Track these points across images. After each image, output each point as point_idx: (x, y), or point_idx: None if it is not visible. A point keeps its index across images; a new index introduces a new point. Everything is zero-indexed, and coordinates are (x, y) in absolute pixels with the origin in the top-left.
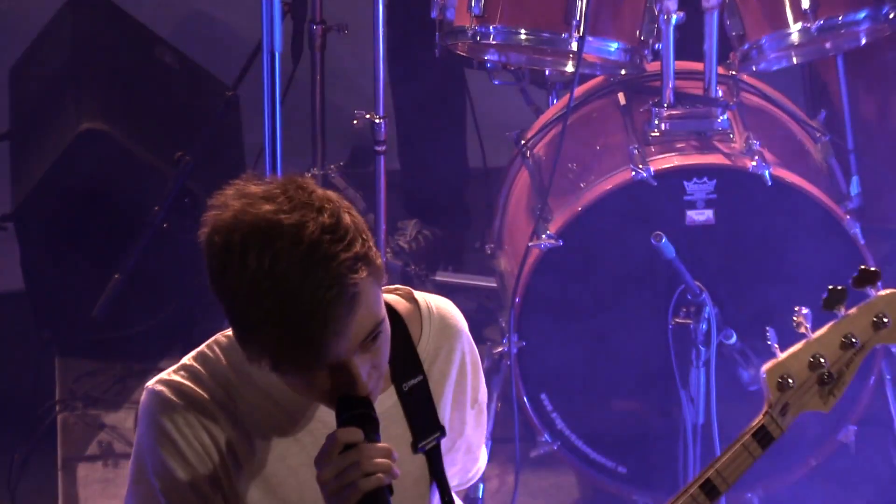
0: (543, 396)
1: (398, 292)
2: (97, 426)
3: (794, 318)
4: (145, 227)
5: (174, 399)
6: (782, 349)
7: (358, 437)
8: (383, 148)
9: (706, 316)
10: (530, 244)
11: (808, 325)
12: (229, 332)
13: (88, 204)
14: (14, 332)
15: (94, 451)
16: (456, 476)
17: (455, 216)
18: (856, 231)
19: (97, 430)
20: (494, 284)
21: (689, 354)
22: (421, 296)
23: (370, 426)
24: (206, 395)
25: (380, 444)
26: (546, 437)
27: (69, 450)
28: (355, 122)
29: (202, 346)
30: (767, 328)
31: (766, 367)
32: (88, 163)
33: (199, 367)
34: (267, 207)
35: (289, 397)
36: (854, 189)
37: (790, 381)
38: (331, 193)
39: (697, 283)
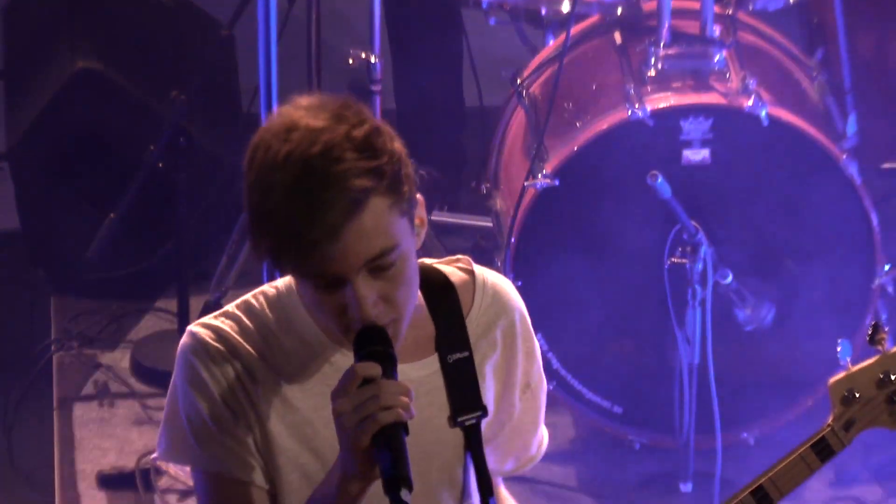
0: (539, 336)
1: (458, 263)
2: (93, 366)
3: (873, 333)
4: (140, 167)
5: (211, 342)
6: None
7: (376, 371)
8: (379, 87)
9: (702, 255)
10: (526, 184)
11: (885, 340)
12: (277, 283)
13: (83, 143)
14: (9, 271)
15: (90, 391)
16: (507, 460)
17: (451, 156)
18: (852, 170)
19: (93, 370)
20: (490, 224)
21: (684, 294)
22: (479, 269)
23: (388, 364)
24: (245, 343)
25: (398, 382)
26: None
27: (65, 390)
28: (351, 61)
29: (248, 295)
30: (841, 340)
31: (832, 380)
32: (83, 102)
33: (241, 314)
34: (303, 113)
35: (326, 348)
36: (851, 128)
37: (857, 395)
38: (381, 121)
39: (693, 223)
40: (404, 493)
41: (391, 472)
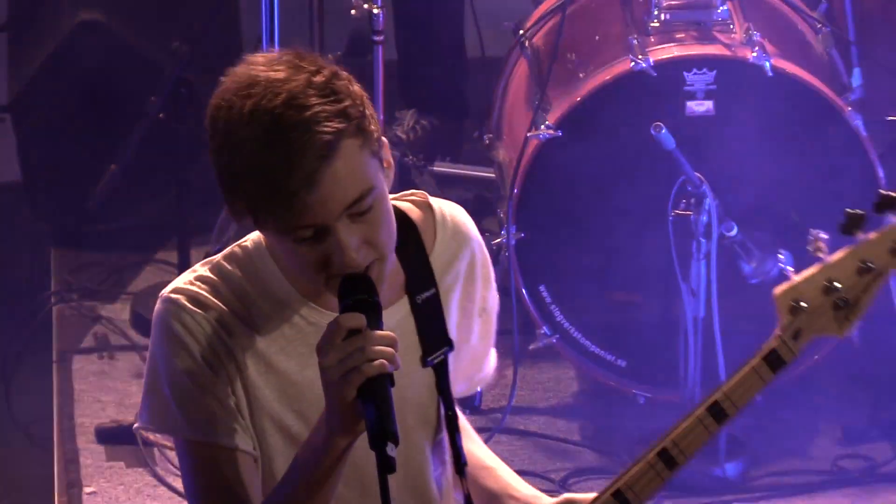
0: (542, 288)
1: (412, 197)
2: (93, 318)
3: (811, 241)
4: (142, 118)
5: (189, 305)
6: (780, 248)
7: (361, 322)
8: (381, 38)
9: (706, 208)
10: (529, 134)
11: (825, 249)
12: (245, 241)
13: (85, 95)
14: (10, 223)
15: (90, 344)
16: (459, 382)
17: (453, 106)
18: (857, 123)
19: (93, 323)
20: (493, 175)
21: (689, 247)
22: (436, 202)
23: (373, 313)
24: (221, 304)
25: (383, 332)
26: (545, 329)
27: (64, 342)
28: (353, 11)
29: (217, 257)
30: (781, 251)
31: (777, 290)
32: (85, 54)
33: (214, 276)
34: (260, 67)
35: (302, 306)
36: (856, 80)
37: (803, 304)
38: (336, 65)
39: (698, 175)
40: (390, 448)
41: (376, 425)
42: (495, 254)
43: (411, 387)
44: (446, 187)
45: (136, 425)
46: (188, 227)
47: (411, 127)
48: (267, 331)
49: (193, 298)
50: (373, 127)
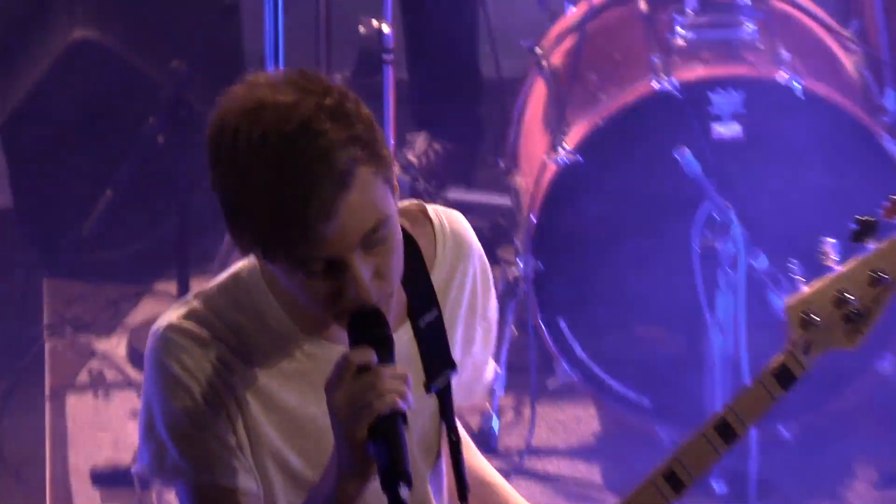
0: (562, 322)
1: (409, 207)
2: (88, 353)
3: (820, 250)
4: (139, 141)
5: (184, 343)
6: (811, 279)
7: (371, 357)
8: (391, 57)
9: (733, 237)
10: (547, 159)
11: (834, 257)
12: (239, 270)
13: (79, 116)
14: (0, 252)
15: (84, 381)
16: (458, 392)
17: (467, 129)
18: (891, 146)
19: (87, 358)
20: (509, 202)
21: (715, 278)
22: (433, 211)
23: (384, 347)
24: (217, 340)
25: (395, 369)
26: (564, 366)
27: (57, 379)
28: (361, 28)
29: (209, 288)
30: (792, 260)
31: (787, 302)
32: (80, 73)
33: (207, 310)
34: (265, 91)
35: (301, 340)
36: (889, 102)
37: (814, 317)
38: (342, 86)
39: (724, 202)
40: (402, 490)
41: (388, 466)
42: (512, 286)
43: (416, 414)
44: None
45: (134, 468)
46: (188, 256)
47: (423, 151)
48: (265, 366)
49: (188, 335)
50: (384, 151)
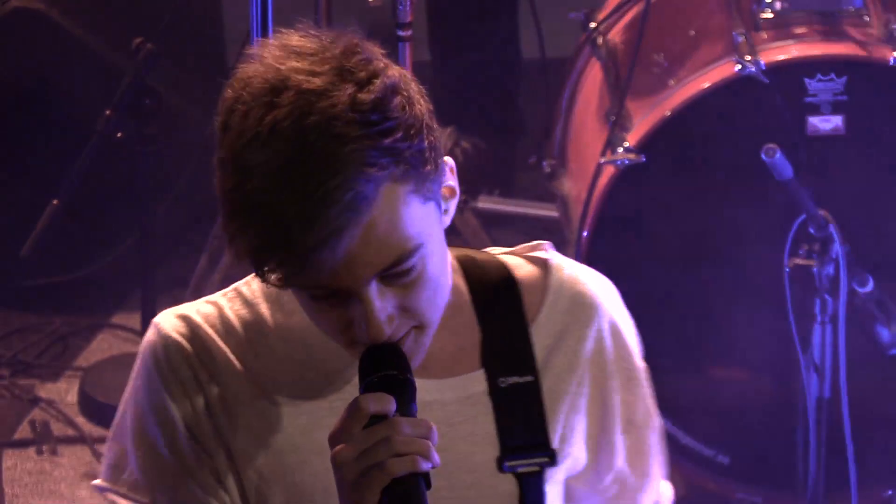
0: None
1: (532, 252)
2: (29, 401)
3: None
4: (93, 137)
5: (181, 341)
6: None
7: (388, 405)
8: (408, 33)
9: (834, 255)
10: (602, 160)
11: None
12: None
13: (18, 106)
14: None
15: (26, 434)
16: None
17: (504, 123)
18: None
19: (29, 406)
20: (555, 213)
21: (811, 306)
22: (561, 261)
23: (403, 394)
24: (221, 343)
25: (417, 419)
26: None
27: None
28: None
29: (239, 283)
30: None
31: None
32: (18, 52)
33: (226, 303)
34: (295, 65)
35: (331, 356)
36: None
37: None
38: (399, 73)
39: (822, 212)
40: None
41: None
42: None
43: (477, 491)
44: (495, 228)
45: (95, 482)
46: (154, 281)
47: (449, 150)
48: (277, 381)
49: (190, 330)
50: (430, 165)
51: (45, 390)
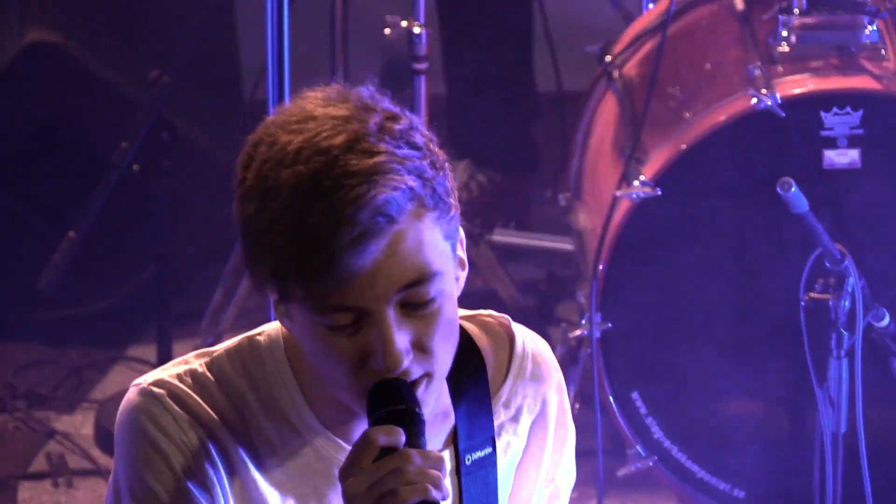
0: (635, 395)
1: (488, 319)
2: (45, 433)
3: None
4: (109, 170)
5: (171, 404)
6: None
7: (398, 437)
8: (424, 65)
9: (850, 290)
10: (618, 193)
11: None
12: (258, 334)
13: (36, 138)
14: None
15: (41, 467)
16: None
17: (519, 155)
18: None
19: (45, 439)
20: (570, 247)
21: (827, 341)
22: (519, 332)
23: (413, 427)
24: (212, 413)
25: (427, 451)
26: (639, 449)
27: (8, 465)
28: (387, 30)
29: (218, 348)
30: None
31: None
32: (36, 85)
33: (209, 374)
34: (320, 102)
35: (317, 436)
36: None
37: None
38: (417, 119)
39: (839, 246)
40: None
41: None
42: (574, 350)
43: None
44: (510, 262)
45: None
46: (170, 314)
47: (464, 183)
48: (264, 456)
49: (177, 397)
50: (451, 205)
51: (61, 423)
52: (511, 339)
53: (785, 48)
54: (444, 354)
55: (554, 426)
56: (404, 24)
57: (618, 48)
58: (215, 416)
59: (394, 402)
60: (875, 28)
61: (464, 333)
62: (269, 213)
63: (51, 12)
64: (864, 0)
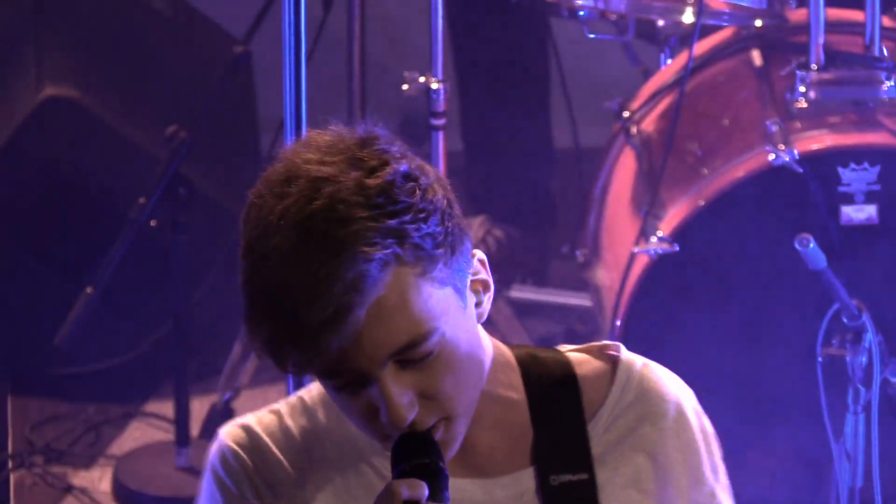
0: None
1: (593, 347)
2: (62, 489)
3: None
4: (127, 225)
5: (239, 452)
6: None
7: (421, 491)
8: (442, 122)
9: (867, 345)
10: (636, 250)
11: None
12: (303, 391)
13: (52, 193)
14: None
15: None
16: None
17: (536, 211)
18: None
19: (63, 494)
20: (588, 302)
21: (844, 396)
22: (630, 357)
23: (436, 481)
24: (278, 452)
25: None
26: None
27: None
28: (405, 87)
29: (301, 390)
30: None
31: None
32: (53, 139)
33: (287, 411)
34: (309, 156)
35: (377, 454)
36: None
37: None
38: (415, 163)
39: (856, 302)
40: None
41: None
42: None
43: None
44: (528, 318)
45: None
46: (187, 369)
47: (481, 239)
48: (327, 483)
49: (250, 440)
50: (443, 249)
51: (79, 478)
52: (615, 361)
53: (802, 104)
54: (459, 393)
55: (675, 452)
56: (422, 79)
57: (636, 104)
58: (281, 456)
59: (416, 456)
60: (893, 83)
61: (559, 362)
62: (256, 282)
63: (67, 66)
64: (882, 55)
